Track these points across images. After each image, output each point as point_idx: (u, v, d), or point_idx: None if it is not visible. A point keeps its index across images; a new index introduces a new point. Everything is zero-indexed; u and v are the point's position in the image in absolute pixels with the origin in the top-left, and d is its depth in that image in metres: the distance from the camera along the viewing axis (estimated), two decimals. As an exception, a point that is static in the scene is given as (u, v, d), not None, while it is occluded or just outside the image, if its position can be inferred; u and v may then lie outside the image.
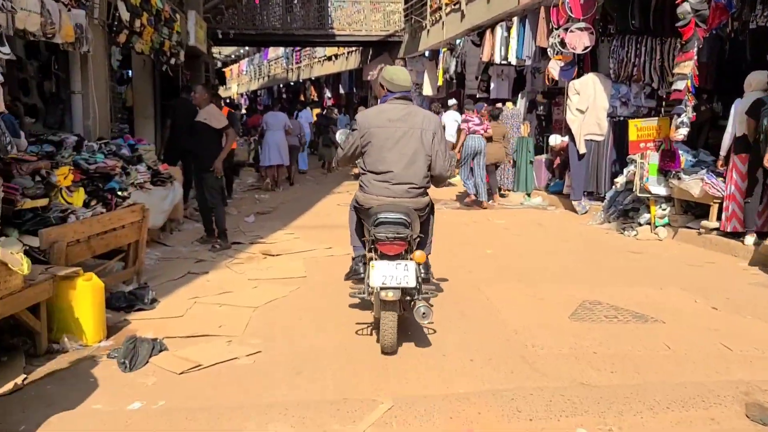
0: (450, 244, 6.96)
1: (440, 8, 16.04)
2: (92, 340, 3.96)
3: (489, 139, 10.16)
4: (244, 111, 21.99)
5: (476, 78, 13.73)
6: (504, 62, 12.03)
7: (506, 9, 11.69)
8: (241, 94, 46.50)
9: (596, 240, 7.59)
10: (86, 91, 6.99)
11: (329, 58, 26.85)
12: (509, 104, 11.30)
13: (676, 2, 7.14)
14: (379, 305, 3.79)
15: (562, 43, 9.52)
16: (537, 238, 7.86)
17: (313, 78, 30.65)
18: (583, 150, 9.42)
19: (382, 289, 3.69)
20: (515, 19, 11.40)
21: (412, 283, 3.72)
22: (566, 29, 9.28)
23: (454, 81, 15.62)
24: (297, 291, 5.29)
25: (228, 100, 43.97)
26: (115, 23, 7.53)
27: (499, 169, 10.82)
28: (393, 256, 3.79)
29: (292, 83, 34.17)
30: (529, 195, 11.07)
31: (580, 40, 9.19)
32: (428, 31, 17.21)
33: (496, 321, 4.48)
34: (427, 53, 18.40)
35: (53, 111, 7.15)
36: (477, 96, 13.98)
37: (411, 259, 3.82)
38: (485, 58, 12.75)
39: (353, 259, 4.44)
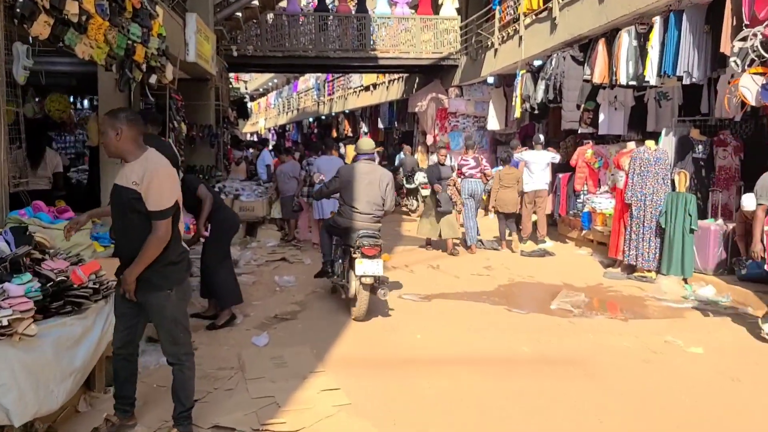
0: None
1: (516, 20, 12.55)
2: None
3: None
4: (267, 148, 18.61)
5: (577, 107, 10.10)
6: (632, 83, 8.37)
7: (637, 8, 8.09)
8: (268, 129, 43.64)
9: None
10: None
11: (366, 88, 23.51)
12: (650, 143, 7.62)
13: None
14: (358, 287, 5.80)
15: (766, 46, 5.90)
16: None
17: (347, 111, 27.38)
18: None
19: (363, 276, 5.74)
20: (657, 20, 7.76)
21: (381, 273, 5.84)
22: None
23: (536, 112, 12.00)
24: None
25: (255, 136, 41.19)
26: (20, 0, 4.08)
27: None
28: (371, 256, 5.78)
29: (323, 117, 30.99)
30: (686, 281, 7.29)
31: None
32: (496, 50, 13.69)
33: None
34: (491, 79, 14.90)
35: None
36: (579, 131, 10.34)
37: (381, 258, 5.88)
38: (597, 79, 9.12)
39: (324, 263, 6.63)
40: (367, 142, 6.74)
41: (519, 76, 12.26)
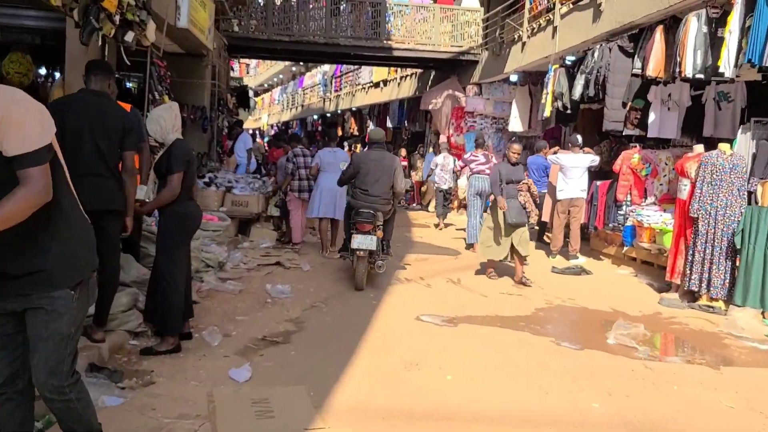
0: None
1: (550, 9, 11.30)
2: None
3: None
4: (261, 141, 17.26)
5: (623, 105, 8.82)
6: (699, 76, 7.08)
7: (710, -13, 6.83)
8: (271, 126, 42.39)
9: None
10: None
11: (376, 85, 22.25)
12: (724, 147, 6.35)
13: None
14: (355, 259, 6.53)
15: None
16: None
17: (354, 108, 26.13)
18: None
19: (357, 249, 6.47)
20: (739, 1, 6.48)
21: (374, 247, 6.52)
22: None
23: (569, 111, 10.73)
24: None
25: (256, 132, 39.91)
26: None
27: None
28: (365, 232, 6.48)
29: (328, 114, 29.73)
30: (764, 315, 6.00)
31: None
32: (523, 44, 12.43)
33: None
34: (514, 77, 13.64)
35: None
36: (624, 132, 9.06)
37: (375, 235, 6.53)
38: (652, 72, 7.84)
39: (344, 240, 7.18)
40: (378, 132, 7.59)
41: (551, 71, 10.98)
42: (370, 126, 24.45)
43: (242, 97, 16.65)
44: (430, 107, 16.01)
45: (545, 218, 9.98)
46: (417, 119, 19.64)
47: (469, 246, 9.64)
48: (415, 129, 20.07)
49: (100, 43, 5.27)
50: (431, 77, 17.83)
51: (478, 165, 9.47)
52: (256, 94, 51.59)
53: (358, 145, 22.49)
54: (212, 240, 7.06)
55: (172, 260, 4.25)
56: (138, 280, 4.65)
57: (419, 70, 18.61)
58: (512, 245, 7.33)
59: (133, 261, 4.73)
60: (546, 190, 10.10)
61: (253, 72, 47.51)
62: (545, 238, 10.54)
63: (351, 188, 7.04)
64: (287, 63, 35.80)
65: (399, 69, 19.93)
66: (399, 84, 20.32)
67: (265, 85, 47.45)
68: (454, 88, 15.70)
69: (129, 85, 7.99)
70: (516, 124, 13.43)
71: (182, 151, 4.25)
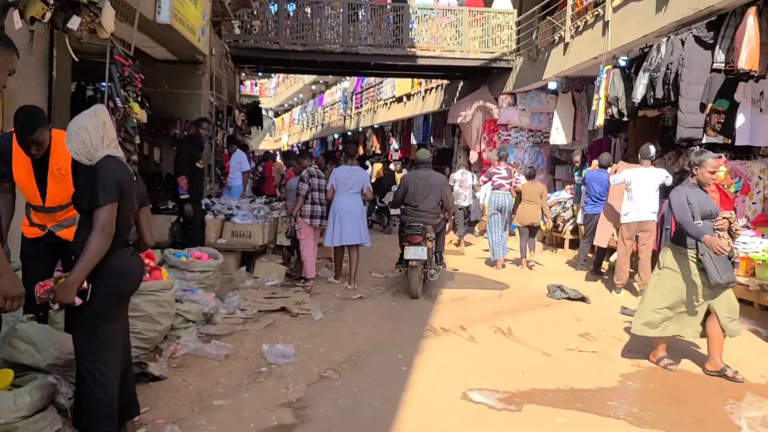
0: None
1: (598, 3, 9.78)
2: None
3: (519, 198, 9.43)
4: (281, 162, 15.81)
5: (701, 107, 7.24)
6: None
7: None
8: (291, 146, 41.32)
9: None
10: None
11: (399, 99, 20.86)
12: None
13: None
14: (409, 269, 7.01)
15: None
16: None
17: (375, 125, 24.77)
18: None
19: (410, 260, 6.95)
20: None
21: (425, 257, 6.95)
22: None
23: (625, 118, 9.17)
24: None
25: (277, 152, 38.82)
26: None
27: None
28: (415, 243, 6.93)
29: (349, 133, 28.45)
30: None
31: None
32: (566, 45, 10.93)
33: None
34: (553, 84, 12.15)
35: None
36: (703, 141, 7.46)
37: (425, 246, 6.94)
38: (745, 64, 6.28)
39: (400, 255, 7.36)
40: (424, 152, 7.81)
41: (602, 73, 9.45)
42: (394, 144, 23.05)
43: (254, 114, 15.35)
44: (459, 120, 14.52)
45: (599, 242, 8.41)
46: (444, 135, 18.15)
47: (493, 263, 9.41)
48: (441, 145, 18.51)
49: (31, 28, 3.90)
50: (459, 88, 16.38)
51: (500, 178, 9.23)
52: (276, 115, 50.79)
53: (379, 164, 21.13)
54: (199, 284, 5.61)
55: (95, 339, 2.80)
56: (61, 363, 3.20)
57: (445, 82, 17.18)
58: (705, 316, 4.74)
59: (51, 333, 3.27)
60: (601, 210, 8.57)
61: (273, 92, 46.69)
62: (602, 267, 8.95)
63: (403, 206, 7.47)
64: (306, 82, 34.76)
65: (423, 81, 18.53)
66: (423, 98, 18.89)
67: (285, 105, 46.57)
68: (486, 98, 14.22)
69: (90, 93, 6.65)
70: (558, 136, 11.90)
71: (113, 174, 2.82)
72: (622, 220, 7.56)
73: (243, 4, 10.27)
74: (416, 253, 6.90)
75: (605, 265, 9.04)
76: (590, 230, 8.95)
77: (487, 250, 9.88)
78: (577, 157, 11.10)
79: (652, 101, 7.92)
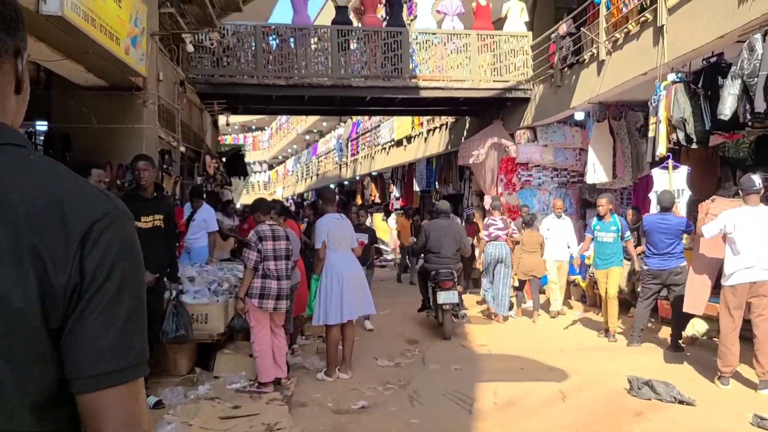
0: None
1: (644, 8, 7.87)
2: None
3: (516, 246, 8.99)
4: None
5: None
6: None
7: None
8: (286, 198, 39.43)
9: None
10: None
11: (398, 143, 18.95)
12: None
13: None
14: (442, 313, 7.43)
15: None
16: None
17: (374, 173, 22.82)
18: None
19: (443, 303, 7.34)
20: None
21: (456, 300, 7.48)
22: None
23: (694, 143, 7.12)
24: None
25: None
26: None
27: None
28: (447, 288, 7.35)
29: (346, 182, 26.53)
30: None
31: None
32: (601, 63, 9.01)
33: None
34: (580, 115, 10.26)
35: None
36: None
37: (455, 290, 7.48)
38: None
39: (423, 301, 8.24)
40: (444, 204, 8.37)
41: (659, 90, 7.47)
42: (394, 192, 20.99)
43: (234, 162, 13.31)
44: (471, 161, 12.50)
45: (694, 309, 6.18)
46: (450, 180, 16.10)
47: (496, 315, 8.89)
48: (447, 191, 16.36)
49: None
50: (466, 126, 14.45)
51: (497, 230, 8.87)
52: (270, 167, 49.11)
53: (380, 215, 18.96)
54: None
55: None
56: None
57: (450, 120, 15.26)
58: None
59: None
60: (684, 263, 6.46)
61: (266, 145, 45.19)
62: (682, 341, 6.75)
63: (425, 255, 7.93)
64: (300, 131, 33.09)
65: (425, 121, 16.65)
66: (426, 139, 16.97)
67: (279, 158, 44.96)
68: (500, 135, 12.25)
69: None
70: (597, 173, 9.84)
71: None
72: (724, 282, 5.40)
73: (205, 23, 8.34)
74: (449, 297, 7.35)
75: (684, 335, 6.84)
76: (649, 293, 6.81)
77: (480, 302, 9.62)
78: (603, 200, 7.88)
79: (748, 117, 5.86)
